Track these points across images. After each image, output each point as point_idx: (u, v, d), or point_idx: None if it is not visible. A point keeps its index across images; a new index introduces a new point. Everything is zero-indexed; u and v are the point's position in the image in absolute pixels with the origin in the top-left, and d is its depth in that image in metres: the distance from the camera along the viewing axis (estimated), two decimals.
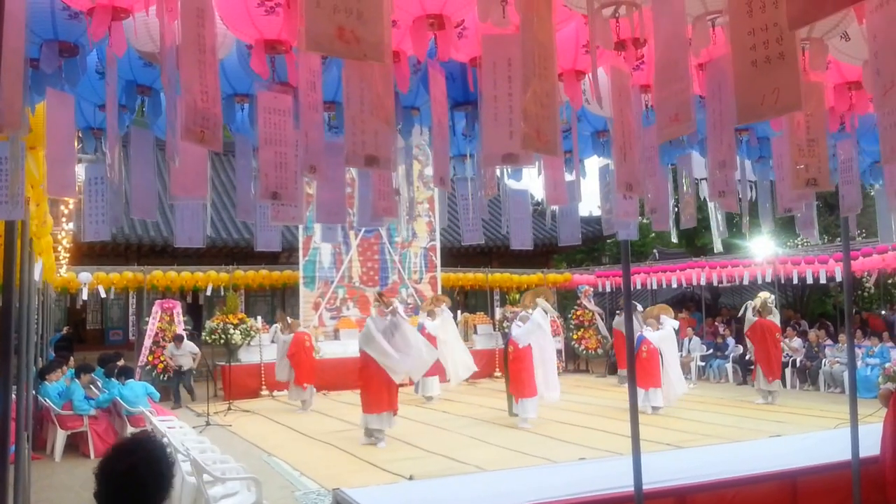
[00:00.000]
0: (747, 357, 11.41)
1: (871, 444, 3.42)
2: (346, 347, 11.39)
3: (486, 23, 1.61)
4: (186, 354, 10.08)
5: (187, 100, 1.43)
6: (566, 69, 2.03)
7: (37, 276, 6.61)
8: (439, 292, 14.19)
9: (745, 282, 13.25)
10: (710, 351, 13.01)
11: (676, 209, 2.77)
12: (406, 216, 2.41)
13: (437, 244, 14.31)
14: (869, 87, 1.95)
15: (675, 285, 14.77)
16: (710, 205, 2.83)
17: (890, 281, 13.81)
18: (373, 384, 7.02)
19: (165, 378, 10.22)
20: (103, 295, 12.48)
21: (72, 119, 1.99)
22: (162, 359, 10.29)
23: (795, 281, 12.38)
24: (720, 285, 14.02)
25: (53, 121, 1.87)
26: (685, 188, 2.65)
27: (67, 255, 9.27)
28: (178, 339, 10.19)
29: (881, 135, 1.36)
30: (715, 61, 1.83)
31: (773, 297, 9.94)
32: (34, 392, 6.44)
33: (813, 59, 1.85)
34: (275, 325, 11.22)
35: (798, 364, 11.32)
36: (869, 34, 1.27)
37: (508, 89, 1.54)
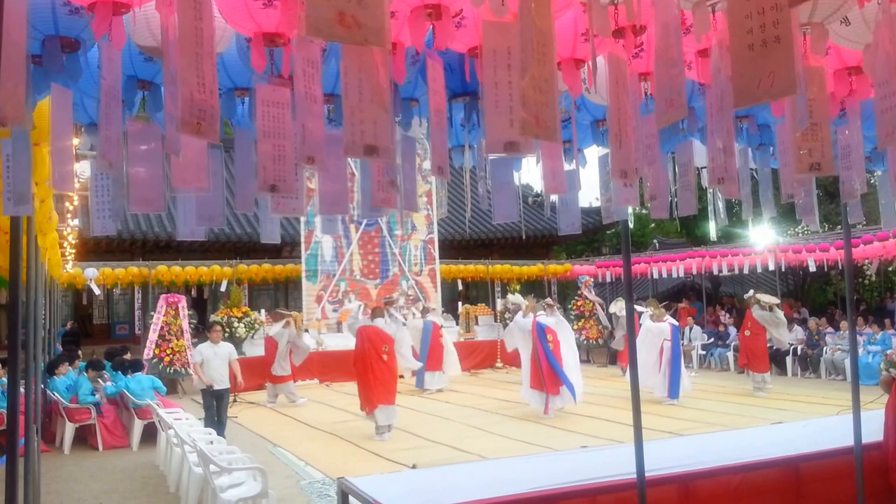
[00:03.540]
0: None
1: (873, 429, 3.43)
2: (347, 340, 11.43)
3: (485, 11, 1.61)
4: (224, 360, 6.39)
5: (184, 92, 1.44)
6: (565, 57, 2.03)
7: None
8: (438, 284, 14.28)
9: (746, 270, 13.25)
10: (711, 340, 13.04)
11: (676, 198, 2.76)
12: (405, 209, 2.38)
13: (435, 236, 14.37)
14: (870, 69, 1.95)
15: (675, 275, 14.78)
16: (710, 192, 2.83)
17: (890, 268, 13.79)
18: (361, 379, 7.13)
19: (171, 371, 10.29)
20: (121, 291, 12.48)
21: (70, 114, 2.00)
22: (168, 352, 10.34)
23: (797, 269, 12.39)
24: (720, 274, 14.03)
25: (57, 116, 1.88)
26: (686, 175, 2.65)
27: (73, 251, 9.31)
28: (212, 329, 6.66)
29: (877, 119, 1.36)
30: (715, 47, 1.82)
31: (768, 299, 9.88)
32: (43, 386, 6.51)
33: (814, 43, 1.84)
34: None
35: (799, 352, 11.35)
36: (879, 16, 1.27)
37: (508, 77, 1.55)
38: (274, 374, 9.55)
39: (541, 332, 7.94)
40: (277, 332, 9.68)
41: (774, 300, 9.63)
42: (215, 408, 6.46)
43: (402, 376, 9.06)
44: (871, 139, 3.01)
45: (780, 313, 9.43)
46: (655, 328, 8.90)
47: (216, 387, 6.37)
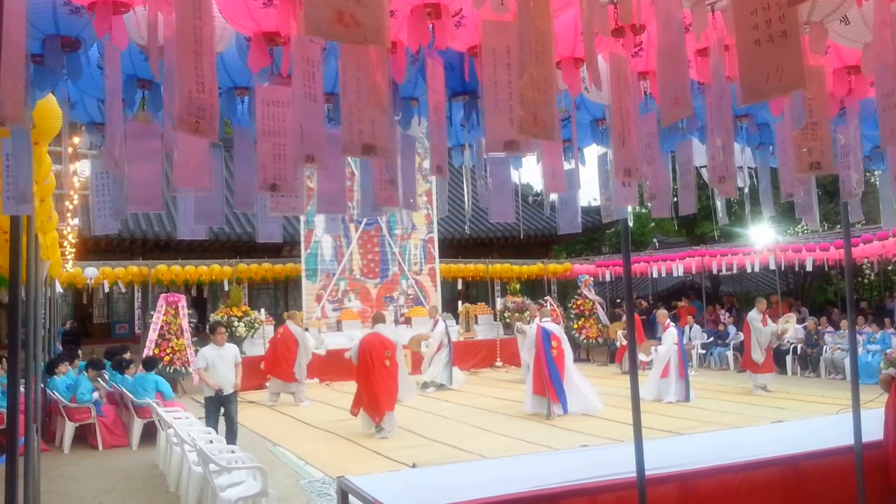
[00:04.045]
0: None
1: (873, 428, 3.43)
2: (348, 339, 11.47)
3: (486, 9, 1.61)
4: (230, 363, 5.92)
5: (181, 91, 1.44)
6: (564, 57, 2.03)
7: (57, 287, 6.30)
8: (438, 283, 14.29)
9: (747, 270, 13.27)
10: (711, 339, 13.05)
11: (676, 198, 2.77)
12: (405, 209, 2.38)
13: (435, 236, 14.38)
14: (869, 69, 1.95)
15: (675, 274, 14.80)
16: (711, 191, 2.83)
17: (890, 267, 13.81)
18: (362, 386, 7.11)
19: (171, 370, 10.29)
20: (123, 290, 12.47)
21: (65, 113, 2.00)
22: (168, 351, 10.34)
23: (797, 268, 12.41)
24: (720, 273, 14.05)
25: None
26: (686, 174, 2.65)
27: (73, 250, 9.31)
28: (215, 331, 6.05)
29: (880, 117, 1.36)
30: (715, 45, 1.83)
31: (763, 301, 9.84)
32: (43, 385, 6.50)
33: (813, 42, 1.84)
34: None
35: (799, 351, 11.36)
36: (875, 15, 1.27)
37: (508, 76, 1.55)
38: (295, 374, 9.63)
39: (545, 337, 7.93)
40: (302, 335, 9.77)
41: (782, 325, 9.56)
42: (222, 414, 5.91)
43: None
44: (871, 138, 3.01)
45: (767, 330, 9.42)
46: (666, 344, 8.95)
47: (224, 392, 5.87)
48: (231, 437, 5.81)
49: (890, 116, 1.38)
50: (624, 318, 11.67)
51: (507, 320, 13.39)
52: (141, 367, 7.52)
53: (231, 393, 5.93)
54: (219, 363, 5.90)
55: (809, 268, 12.00)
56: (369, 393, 7.02)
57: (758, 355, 9.32)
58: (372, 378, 6.96)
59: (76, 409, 7.07)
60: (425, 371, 10.49)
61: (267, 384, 10.19)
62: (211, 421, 5.88)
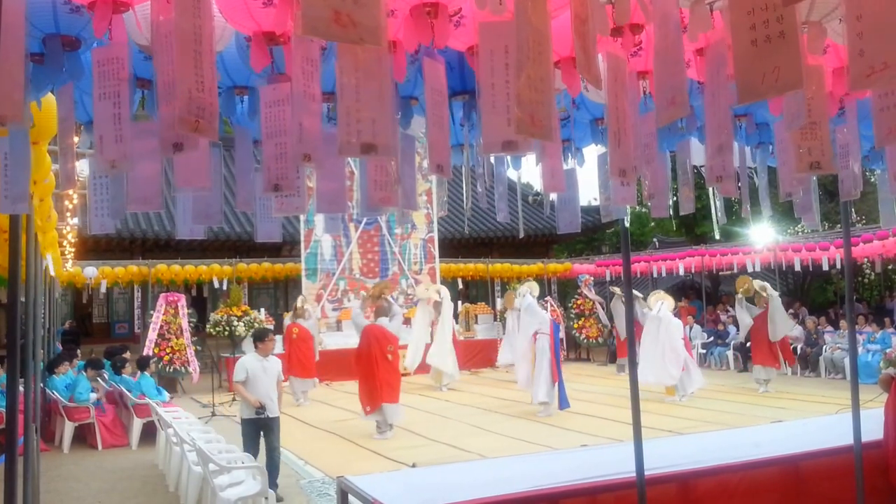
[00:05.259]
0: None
1: (872, 428, 3.43)
2: (347, 338, 11.47)
3: (484, 10, 1.61)
4: (274, 378, 4.87)
5: (181, 90, 1.45)
6: (564, 56, 2.02)
7: (52, 271, 6.33)
8: (438, 283, 14.28)
9: (748, 270, 13.28)
10: (711, 339, 13.05)
11: (675, 198, 2.77)
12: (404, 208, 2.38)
13: (435, 235, 14.38)
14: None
15: (675, 273, 14.80)
16: (710, 191, 2.83)
17: (890, 267, 13.81)
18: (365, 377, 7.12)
19: (171, 370, 10.29)
20: (103, 290, 12.47)
21: (72, 112, 2.00)
22: (167, 350, 10.34)
23: (797, 268, 12.41)
24: (720, 273, 14.05)
25: (62, 115, 1.88)
26: (685, 174, 2.65)
27: (73, 249, 9.31)
28: (265, 339, 4.90)
29: (875, 117, 1.36)
30: (713, 45, 1.82)
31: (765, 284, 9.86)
32: (42, 385, 6.50)
33: (811, 42, 1.84)
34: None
35: (798, 351, 11.36)
36: (851, 15, 1.25)
37: (506, 77, 1.55)
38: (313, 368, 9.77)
39: (557, 330, 8.19)
40: (314, 329, 9.97)
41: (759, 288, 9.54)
42: (260, 440, 4.80)
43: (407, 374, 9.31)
44: (869, 138, 3.01)
45: (747, 304, 9.45)
46: (675, 322, 8.95)
47: (269, 413, 4.71)
48: (273, 470, 4.64)
49: (886, 116, 1.38)
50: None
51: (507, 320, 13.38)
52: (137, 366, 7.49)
53: (274, 418, 4.80)
54: (261, 377, 4.78)
55: (811, 267, 12.02)
56: (368, 384, 7.03)
57: (743, 332, 9.83)
58: (373, 369, 6.97)
59: (75, 409, 7.07)
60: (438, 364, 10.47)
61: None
62: (250, 447, 4.74)
